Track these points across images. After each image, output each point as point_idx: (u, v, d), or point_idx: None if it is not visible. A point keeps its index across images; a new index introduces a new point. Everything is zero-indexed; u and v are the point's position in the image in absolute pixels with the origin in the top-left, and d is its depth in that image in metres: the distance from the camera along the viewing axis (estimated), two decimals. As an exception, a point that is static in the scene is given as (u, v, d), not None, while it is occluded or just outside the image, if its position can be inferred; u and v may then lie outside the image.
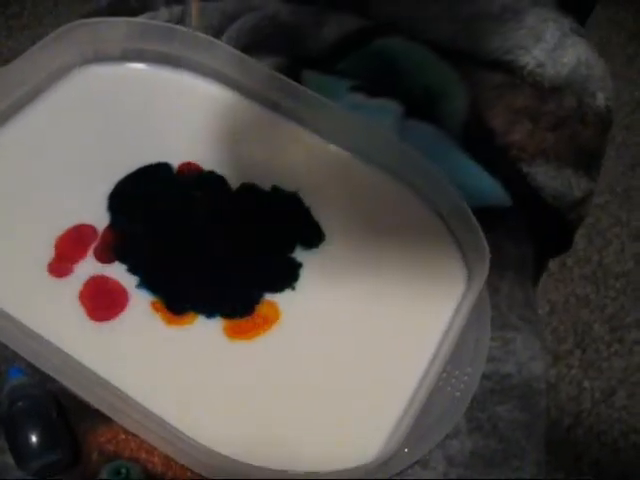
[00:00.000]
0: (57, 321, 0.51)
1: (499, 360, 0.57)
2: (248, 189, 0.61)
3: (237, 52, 0.64)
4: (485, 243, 0.56)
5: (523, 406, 0.56)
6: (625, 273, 1.42)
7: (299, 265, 0.57)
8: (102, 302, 0.53)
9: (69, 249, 0.55)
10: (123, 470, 0.45)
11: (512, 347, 0.58)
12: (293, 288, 0.56)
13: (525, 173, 0.67)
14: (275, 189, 0.61)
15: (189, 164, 0.61)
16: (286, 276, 0.56)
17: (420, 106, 0.68)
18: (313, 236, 0.59)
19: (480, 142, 0.68)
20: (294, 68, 0.69)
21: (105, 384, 0.47)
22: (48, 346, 0.48)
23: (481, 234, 0.56)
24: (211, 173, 0.61)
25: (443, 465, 0.52)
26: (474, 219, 0.57)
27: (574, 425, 1.23)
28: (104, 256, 0.55)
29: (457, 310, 0.56)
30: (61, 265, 0.55)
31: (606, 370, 1.30)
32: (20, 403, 0.48)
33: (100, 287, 0.54)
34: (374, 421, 0.51)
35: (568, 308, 1.36)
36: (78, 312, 0.53)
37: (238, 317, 0.54)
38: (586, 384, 1.28)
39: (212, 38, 0.65)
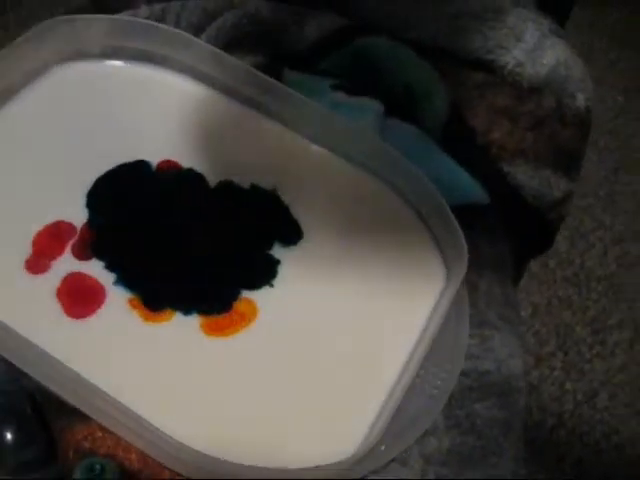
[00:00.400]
0: (33, 317, 0.51)
1: (477, 357, 0.57)
2: (226, 187, 0.61)
3: (217, 50, 0.64)
4: (464, 241, 0.56)
5: (502, 403, 0.56)
6: (607, 276, 1.43)
7: (277, 262, 0.57)
8: (79, 299, 0.53)
9: (47, 246, 0.55)
10: (97, 467, 0.44)
11: (490, 344, 0.58)
12: (271, 285, 0.56)
13: (505, 172, 0.67)
14: (254, 187, 0.61)
15: (168, 162, 0.61)
16: (264, 273, 0.56)
17: (401, 105, 0.69)
18: (291, 233, 0.59)
19: (461, 141, 0.68)
20: (275, 67, 0.68)
21: (81, 381, 0.47)
22: (23, 342, 0.48)
23: (460, 232, 0.56)
24: (190, 171, 0.61)
25: (420, 463, 0.52)
26: (453, 217, 0.57)
27: (557, 426, 1.24)
28: (82, 253, 0.55)
29: (435, 308, 0.56)
30: (39, 261, 0.54)
31: (588, 372, 1.31)
32: (-5, 400, 0.48)
33: (77, 284, 0.54)
34: (351, 418, 0.51)
35: (550, 310, 1.37)
36: (55, 309, 0.52)
37: (215, 314, 0.54)
38: (568, 386, 1.29)
39: (192, 36, 0.65)
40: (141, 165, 0.60)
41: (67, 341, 0.50)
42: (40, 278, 0.54)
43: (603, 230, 1.50)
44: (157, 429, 0.46)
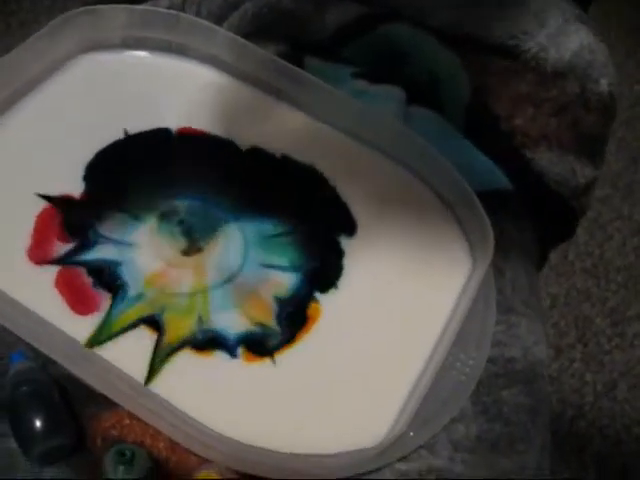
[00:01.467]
0: (59, 306, 0.51)
1: (504, 344, 0.57)
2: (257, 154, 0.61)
3: (239, 39, 0.64)
4: (489, 227, 0.56)
5: (528, 390, 0.56)
6: (626, 267, 1.42)
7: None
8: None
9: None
10: (128, 452, 0.44)
11: (517, 331, 0.58)
12: None
13: (529, 158, 0.67)
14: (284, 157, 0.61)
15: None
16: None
17: (423, 92, 0.68)
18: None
19: (484, 127, 0.68)
20: (296, 55, 0.68)
21: (110, 367, 0.47)
22: (50, 329, 0.48)
23: (485, 218, 0.57)
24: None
25: (449, 449, 0.52)
26: (478, 203, 0.57)
27: (576, 417, 1.23)
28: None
29: (462, 293, 0.56)
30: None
31: (608, 363, 1.30)
32: (23, 387, 0.47)
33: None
34: (380, 404, 0.51)
35: (569, 302, 1.36)
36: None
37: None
38: (588, 377, 1.28)
39: (214, 25, 0.65)
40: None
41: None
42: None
43: (622, 221, 1.49)
44: (184, 413, 0.46)
